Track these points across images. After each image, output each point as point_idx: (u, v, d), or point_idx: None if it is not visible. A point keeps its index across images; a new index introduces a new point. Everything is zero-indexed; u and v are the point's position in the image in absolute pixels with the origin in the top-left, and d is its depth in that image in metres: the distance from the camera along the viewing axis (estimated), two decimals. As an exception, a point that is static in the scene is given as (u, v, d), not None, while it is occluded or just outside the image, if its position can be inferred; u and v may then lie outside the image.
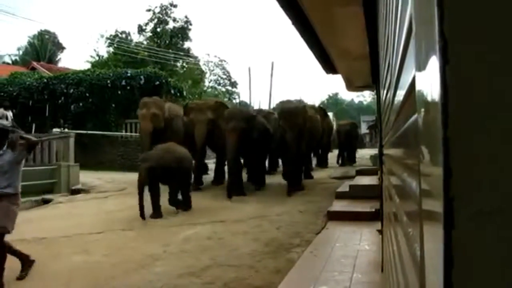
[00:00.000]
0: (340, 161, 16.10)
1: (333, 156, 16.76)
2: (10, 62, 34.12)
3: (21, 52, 36.40)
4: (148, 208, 7.17)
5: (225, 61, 38.50)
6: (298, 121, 9.86)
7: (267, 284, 4.06)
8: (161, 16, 31.16)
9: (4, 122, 12.35)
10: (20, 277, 4.38)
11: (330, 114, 23.06)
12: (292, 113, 10.00)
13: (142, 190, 7.00)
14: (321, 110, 12.89)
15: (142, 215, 6.87)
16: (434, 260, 0.46)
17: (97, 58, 28.51)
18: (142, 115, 10.92)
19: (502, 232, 0.40)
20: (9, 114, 12.90)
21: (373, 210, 6.50)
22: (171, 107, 11.61)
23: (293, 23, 4.82)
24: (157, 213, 7.28)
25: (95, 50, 31.48)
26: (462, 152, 0.41)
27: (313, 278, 4.05)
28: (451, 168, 0.41)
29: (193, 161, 9.13)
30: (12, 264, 4.40)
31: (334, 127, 17.99)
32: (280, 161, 12.49)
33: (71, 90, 16.08)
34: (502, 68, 0.41)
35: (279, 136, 10.22)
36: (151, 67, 19.73)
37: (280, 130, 10.09)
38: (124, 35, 31.63)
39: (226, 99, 33.60)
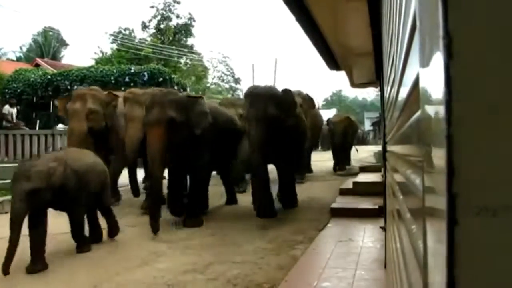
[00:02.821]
0: (336, 167, 12.96)
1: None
2: (14, 59, 34.25)
3: (24, 49, 36.58)
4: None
5: (228, 57, 38.54)
6: (269, 110, 6.34)
7: (270, 280, 4.06)
8: (164, 12, 31.21)
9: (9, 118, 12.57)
10: None
11: (334, 110, 22.75)
12: (258, 97, 6.49)
13: (19, 225, 4.35)
14: (309, 99, 9.35)
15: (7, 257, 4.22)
16: (437, 257, 0.46)
17: (100, 54, 28.58)
18: (74, 112, 7.90)
19: (505, 229, 0.40)
20: (14, 111, 13.01)
21: (377, 207, 6.50)
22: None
23: (297, 19, 4.81)
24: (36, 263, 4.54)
25: (98, 46, 31.58)
26: (466, 148, 0.41)
27: (316, 275, 4.05)
28: (454, 164, 0.41)
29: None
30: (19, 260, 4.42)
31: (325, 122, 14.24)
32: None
33: (75, 87, 16.10)
34: (506, 65, 0.40)
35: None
36: (154, 64, 19.78)
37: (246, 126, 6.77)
38: (127, 32, 31.70)
39: (229, 96, 33.61)
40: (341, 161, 13.14)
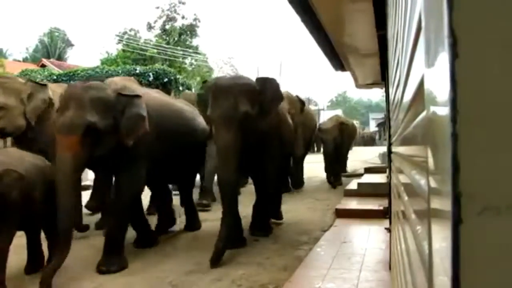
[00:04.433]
0: (331, 178, 11.07)
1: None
2: (20, 59, 34.49)
3: (30, 50, 36.87)
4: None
5: (233, 58, 38.65)
6: (240, 107, 4.77)
7: (275, 281, 4.06)
8: (169, 13, 31.28)
9: None
10: None
11: (339, 112, 22.48)
12: (226, 90, 4.86)
13: None
14: (299, 101, 8.52)
15: None
16: (442, 257, 0.46)
17: (106, 55, 28.70)
18: None
19: (509, 227, 0.39)
20: None
21: (382, 208, 6.48)
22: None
23: (302, 20, 4.81)
24: None
25: (104, 47, 31.71)
26: (471, 148, 0.41)
27: (320, 276, 4.05)
28: (459, 164, 0.41)
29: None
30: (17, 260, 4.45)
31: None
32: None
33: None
34: (511, 65, 0.40)
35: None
36: (159, 64, 19.81)
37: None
38: (133, 33, 31.79)
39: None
40: (336, 171, 11.44)
